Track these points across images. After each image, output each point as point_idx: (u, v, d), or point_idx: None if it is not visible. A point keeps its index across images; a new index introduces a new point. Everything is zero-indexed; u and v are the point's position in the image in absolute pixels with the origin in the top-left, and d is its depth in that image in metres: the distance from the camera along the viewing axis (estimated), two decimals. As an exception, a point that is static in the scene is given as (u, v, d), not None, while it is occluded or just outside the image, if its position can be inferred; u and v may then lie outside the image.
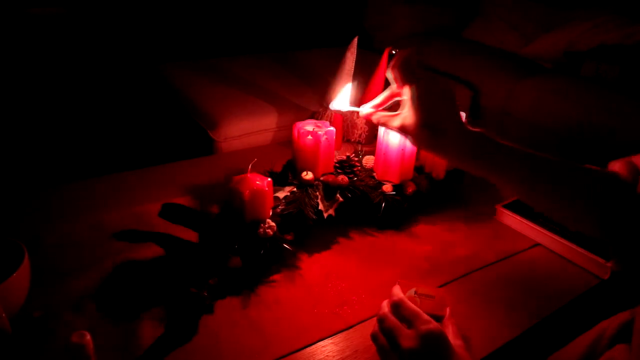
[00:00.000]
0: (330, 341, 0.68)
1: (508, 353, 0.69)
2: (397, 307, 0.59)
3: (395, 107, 0.63)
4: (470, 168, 0.59)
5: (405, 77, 0.58)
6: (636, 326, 0.47)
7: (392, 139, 0.91)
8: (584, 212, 0.56)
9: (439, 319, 0.61)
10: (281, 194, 0.88)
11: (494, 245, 0.92)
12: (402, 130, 0.59)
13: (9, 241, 0.67)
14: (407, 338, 0.55)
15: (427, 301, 0.63)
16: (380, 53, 1.16)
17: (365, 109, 0.66)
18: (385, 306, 0.62)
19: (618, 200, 0.53)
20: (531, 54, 2.25)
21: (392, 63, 0.59)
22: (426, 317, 0.57)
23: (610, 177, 0.55)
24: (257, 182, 0.79)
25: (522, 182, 0.57)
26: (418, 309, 0.58)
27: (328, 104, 0.88)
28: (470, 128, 0.57)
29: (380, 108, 0.65)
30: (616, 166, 0.56)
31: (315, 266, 0.83)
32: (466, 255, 0.88)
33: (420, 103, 0.57)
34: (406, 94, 0.58)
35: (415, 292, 0.64)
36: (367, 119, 0.66)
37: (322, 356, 0.66)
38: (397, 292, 0.63)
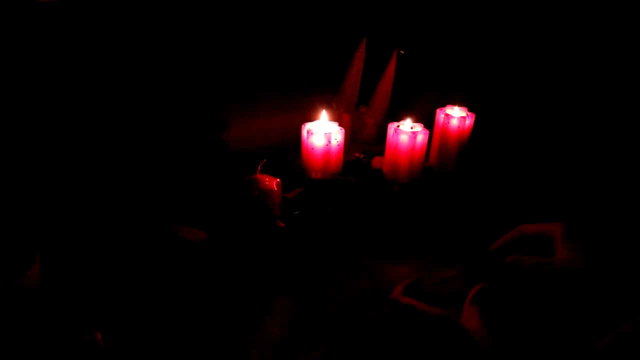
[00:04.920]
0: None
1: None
2: (392, 306, 0.60)
3: None
4: None
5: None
6: None
7: (401, 139, 0.91)
8: None
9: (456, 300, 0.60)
10: (290, 195, 0.88)
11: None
12: None
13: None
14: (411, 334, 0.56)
15: (439, 288, 0.62)
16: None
17: None
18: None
19: None
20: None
21: None
22: (424, 306, 0.57)
23: None
24: (266, 182, 0.80)
25: None
26: (415, 302, 0.58)
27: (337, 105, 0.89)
28: None
29: None
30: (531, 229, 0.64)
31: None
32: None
33: None
34: None
35: (422, 279, 0.63)
36: None
37: None
38: (397, 291, 0.63)
